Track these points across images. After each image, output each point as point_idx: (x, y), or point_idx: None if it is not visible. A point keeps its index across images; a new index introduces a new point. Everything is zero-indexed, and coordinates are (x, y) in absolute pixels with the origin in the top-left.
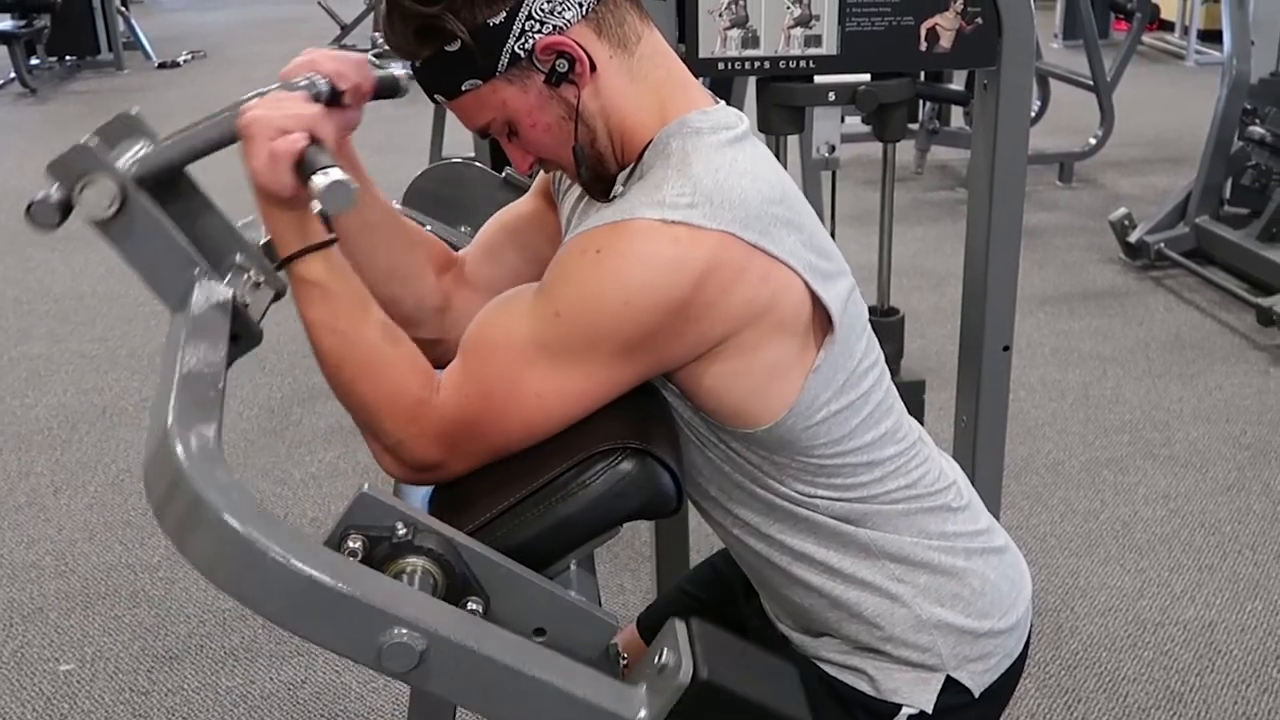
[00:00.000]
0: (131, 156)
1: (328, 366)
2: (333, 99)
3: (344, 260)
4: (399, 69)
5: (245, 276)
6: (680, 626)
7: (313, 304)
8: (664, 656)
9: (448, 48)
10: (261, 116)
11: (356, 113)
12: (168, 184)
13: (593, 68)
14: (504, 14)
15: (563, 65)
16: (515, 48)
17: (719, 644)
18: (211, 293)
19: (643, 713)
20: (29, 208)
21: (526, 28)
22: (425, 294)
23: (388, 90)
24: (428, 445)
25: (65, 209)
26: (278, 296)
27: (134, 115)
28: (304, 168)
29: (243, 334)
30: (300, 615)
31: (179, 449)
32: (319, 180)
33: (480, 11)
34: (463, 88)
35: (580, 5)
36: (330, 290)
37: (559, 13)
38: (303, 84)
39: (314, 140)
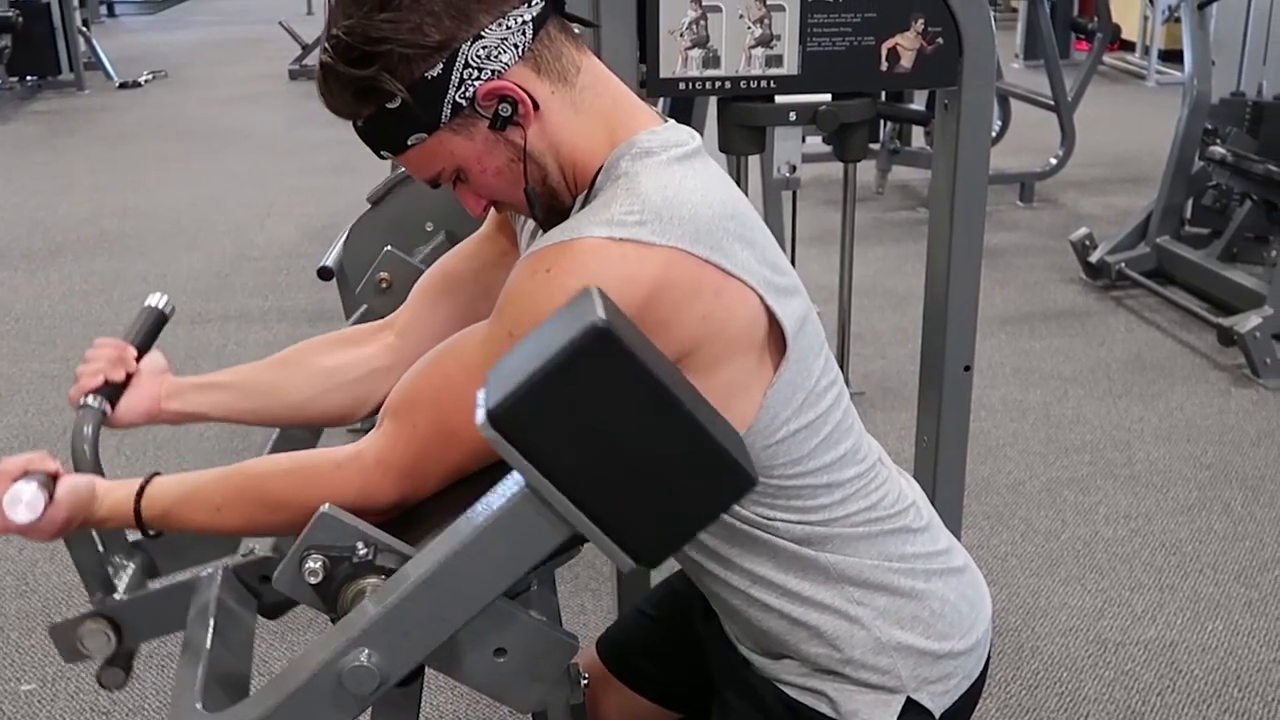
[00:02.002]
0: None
1: (252, 529)
2: (120, 388)
3: (171, 477)
4: (158, 300)
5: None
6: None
7: (188, 518)
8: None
9: (388, 105)
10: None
11: (151, 366)
12: None
13: (535, 106)
14: (441, 65)
15: (505, 109)
16: (456, 97)
17: (498, 373)
18: (204, 579)
19: (518, 478)
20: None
21: (465, 76)
22: (357, 371)
23: (156, 330)
24: (380, 490)
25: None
26: None
27: None
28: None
29: (267, 573)
30: None
31: None
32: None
33: (417, 66)
34: (408, 142)
35: (516, 47)
36: (182, 499)
37: (496, 57)
38: (76, 426)
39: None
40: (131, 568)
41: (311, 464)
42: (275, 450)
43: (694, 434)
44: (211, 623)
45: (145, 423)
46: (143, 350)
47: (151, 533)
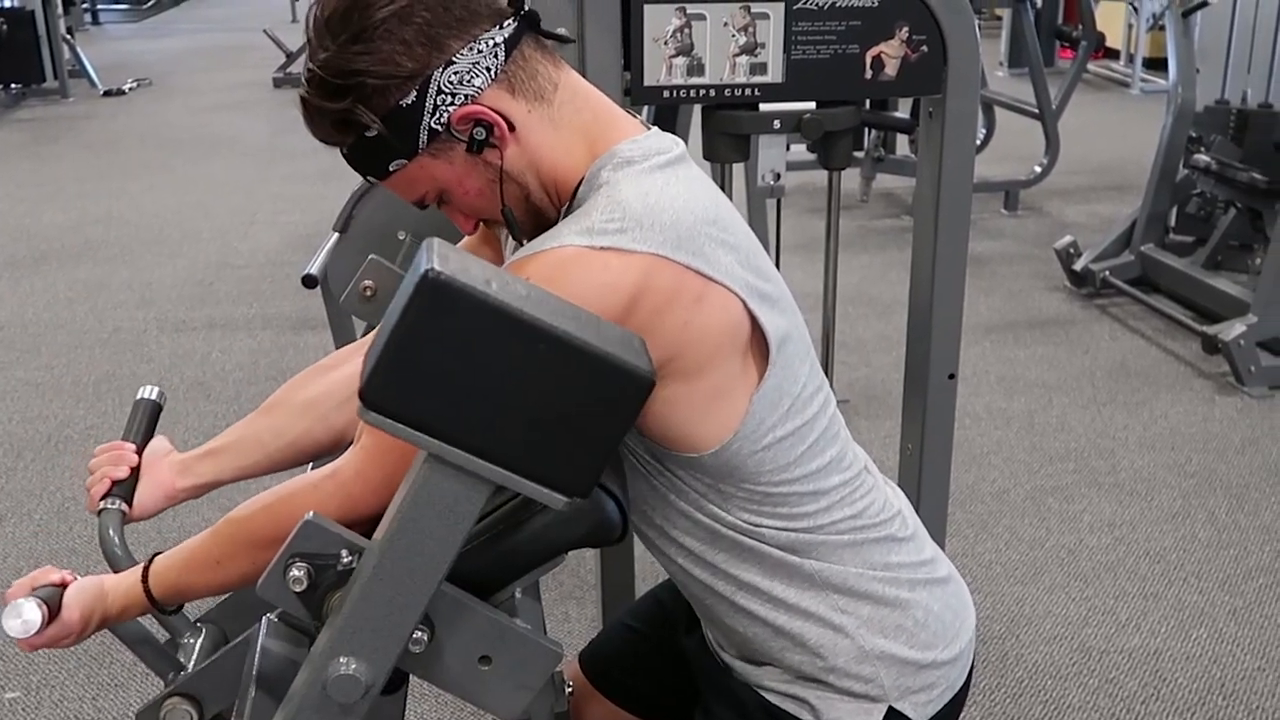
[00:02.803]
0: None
1: (251, 575)
2: (131, 483)
3: (168, 553)
4: (149, 392)
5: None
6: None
7: (196, 584)
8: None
9: (367, 134)
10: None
11: (155, 452)
12: None
13: (511, 127)
14: (414, 93)
15: (480, 132)
16: (431, 123)
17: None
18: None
19: None
20: None
21: (438, 103)
22: (340, 396)
23: (153, 421)
24: (361, 501)
25: None
26: None
27: None
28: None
29: None
30: None
31: None
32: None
33: (391, 96)
34: (390, 168)
35: (489, 70)
36: (183, 567)
37: (468, 81)
38: (100, 530)
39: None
40: (198, 643)
41: (288, 492)
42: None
43: (569, 352)
44: (255, 674)
45: (166, 507)
46: (143, 443)
47: (170, 610)
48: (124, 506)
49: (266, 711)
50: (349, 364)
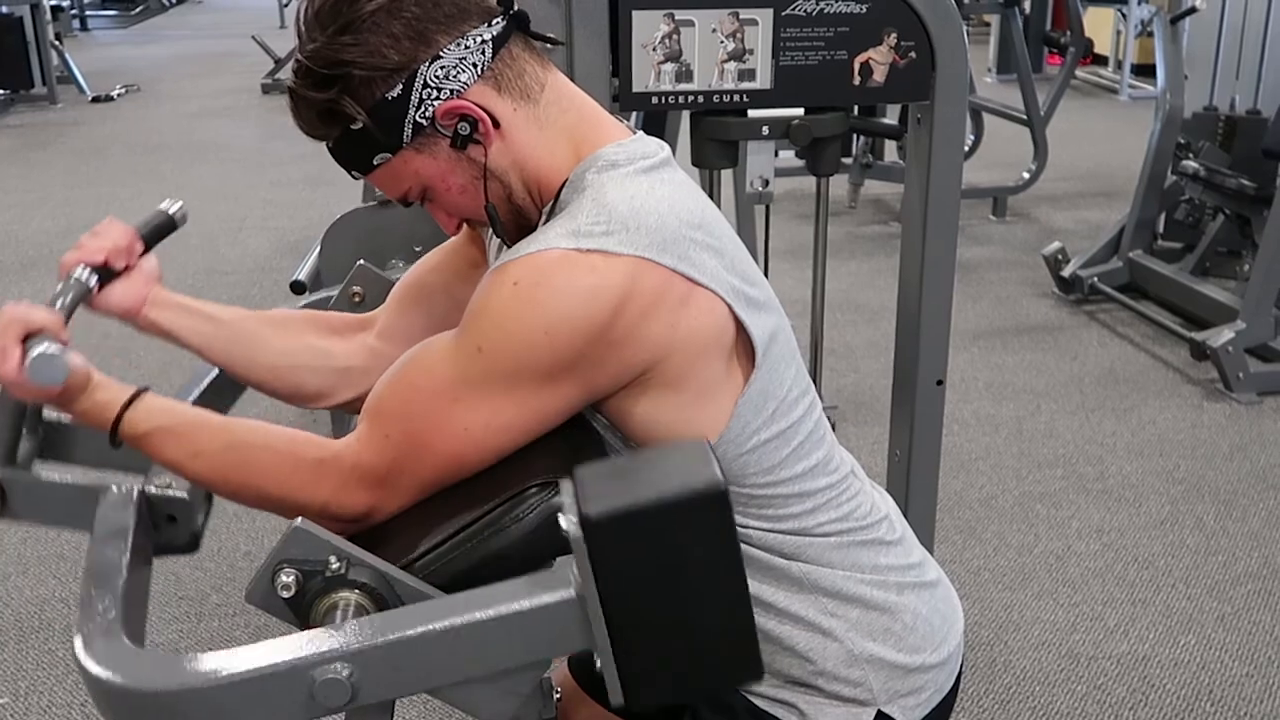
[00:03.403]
0: None
1: (216, 487)
2: (113, 275)
3: (161, 400)
4: (171, 206)
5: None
6: (566, 484)
7: (163, 449)
8: (563, 522)
9: (352, 126)
10: None
11: (148, 267)
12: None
13: (496, 124)
14: (400, 86)
15: (465, 127)
16: (416, 117)
17: (598, 476)
18: (115, 495)
19: (573, 581)
20: None
21: (424, 96)
22: (339, 361)
23: (164, 233)
24: (352, 496)
25: None
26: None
27: None
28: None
29: (175, 513)
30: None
31: (78, 641)
32: (27, 357)
33: (377, 88)
34: (374, 162)
35: (475, 66)
36: (166, 430)
37: (455, 76)
38: (60, 290)
39: (30, 335)
40: (31, 443)
41: (299, 449)
42: (204, 394)
43: (740, 616)
44: (128, 550)
45: (122, 317)
46: (145, 249)
47: (117, 443)
48: (94, 285)
49: (130, 597)
50: (353, 338)
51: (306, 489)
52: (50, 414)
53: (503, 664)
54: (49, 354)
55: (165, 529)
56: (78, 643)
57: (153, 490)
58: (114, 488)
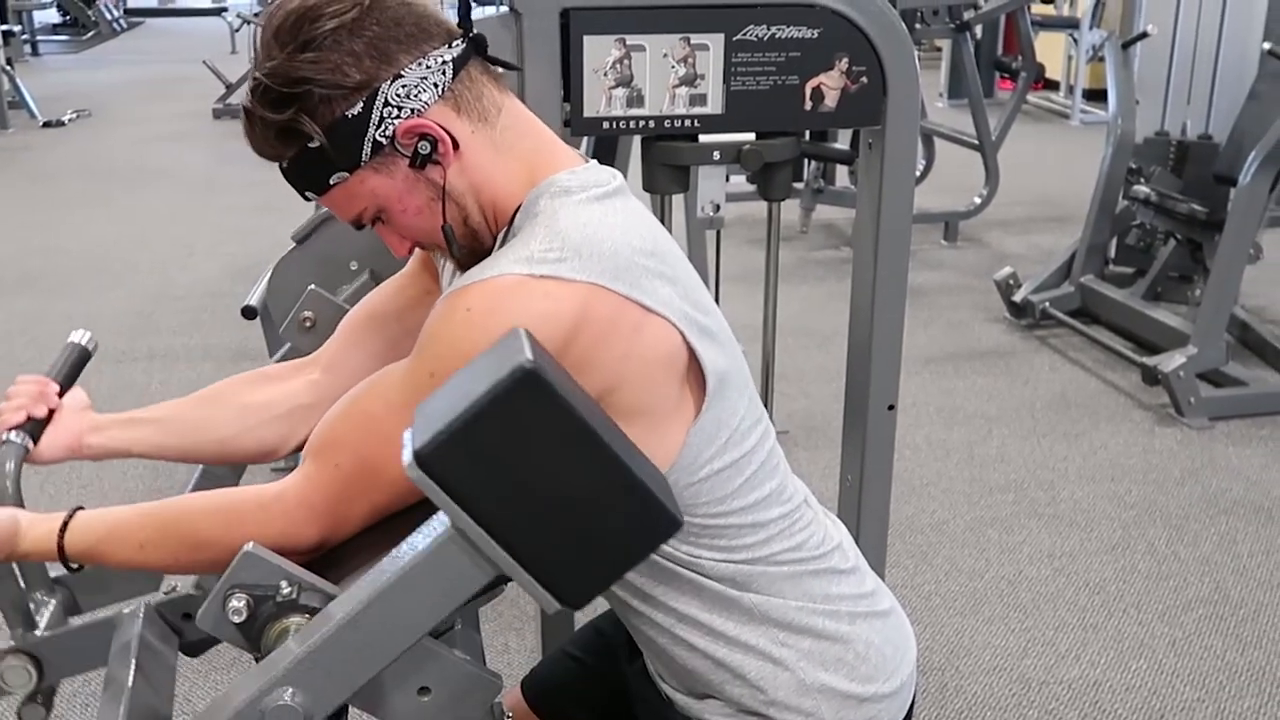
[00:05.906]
0: None
1: (176, 568)
2: (42, 424)
3: (93, 512)
4: (81, 337)
5: None
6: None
7: (113, 555)
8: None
9: (309, 145)
10: None
11: (72, 402)
12: None
13: (455, 145)
14: (360, 105)
15: (425, 147)
16: (376, 136)
17: (422, 413)
18: (125, 616)
19: (446, 519)
20: (18, 716)
21: (385, 115)
22: (281, 407)
23: (79, 367)
24: (301, 530)
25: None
26: None
27: None
28: None
29: (190, 610)
30: None
31: None
32: None
33: (336, 106)
34: (330, 182)
35: (436, 85)
36: (104, 537)
37: (415, 95)
38: None
39: None
40: (53, 603)
41: (236, 503)
42: (198, 487)
43: (619, 476)
44: (134, 661)
45: (67, 458)
46: (65, 387)
47: (75, 567)
48: (29, 443)
49: (141, 701)
50: (294, 379)
51: (257, 535)
52: (55, 569)
53: (426, 623)
54: None
55: (188, 628)
56: None
57: (160, 598)
58: (124, 610)
